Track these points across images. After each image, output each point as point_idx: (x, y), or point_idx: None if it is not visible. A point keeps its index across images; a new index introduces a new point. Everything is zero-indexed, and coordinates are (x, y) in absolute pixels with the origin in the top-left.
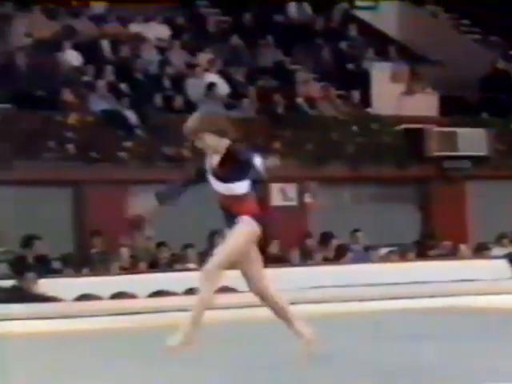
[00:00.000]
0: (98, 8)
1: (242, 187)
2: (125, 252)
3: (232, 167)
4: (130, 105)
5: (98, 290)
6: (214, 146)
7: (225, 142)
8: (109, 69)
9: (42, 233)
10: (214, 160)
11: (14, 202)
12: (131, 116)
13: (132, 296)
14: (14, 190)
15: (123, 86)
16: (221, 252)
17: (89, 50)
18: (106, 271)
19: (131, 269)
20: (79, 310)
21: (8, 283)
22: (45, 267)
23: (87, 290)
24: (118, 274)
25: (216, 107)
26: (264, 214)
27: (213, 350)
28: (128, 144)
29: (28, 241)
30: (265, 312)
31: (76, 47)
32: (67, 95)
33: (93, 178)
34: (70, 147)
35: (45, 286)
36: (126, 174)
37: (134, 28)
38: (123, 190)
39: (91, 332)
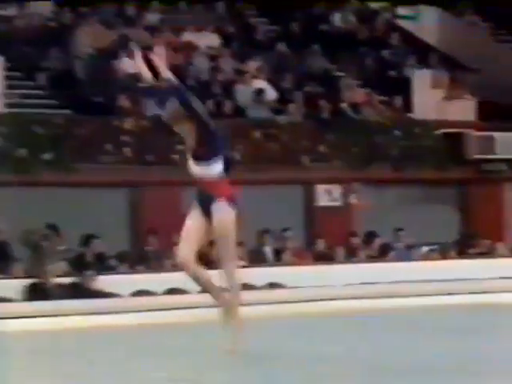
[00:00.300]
0: (153, 18)
1: (217, 168)
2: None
3: (208, 144)
4: None
5: (153, 286)
6: (192, 132)
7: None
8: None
9: (99, 232)
10: (191, 143)
11: (74, 203)
12: None
13: (185, 292)
14: (73, 191)
15: None
16: (227, 250)
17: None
18: (160, 268)
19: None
20: (135, 305)
21: (68, 280)
22: (102, 264)
23: (142, 286)
24: (172, 271)
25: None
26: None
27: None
28: (181, 147)
29: (87, 240)
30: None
31: (131, 55)
32: (123, 101)
33: (148, 179)
34: (127, 150)
35: (102, 282)
36: (179, 176)
37: (187, 37)
38: (177, 191)
39: (146, 326)
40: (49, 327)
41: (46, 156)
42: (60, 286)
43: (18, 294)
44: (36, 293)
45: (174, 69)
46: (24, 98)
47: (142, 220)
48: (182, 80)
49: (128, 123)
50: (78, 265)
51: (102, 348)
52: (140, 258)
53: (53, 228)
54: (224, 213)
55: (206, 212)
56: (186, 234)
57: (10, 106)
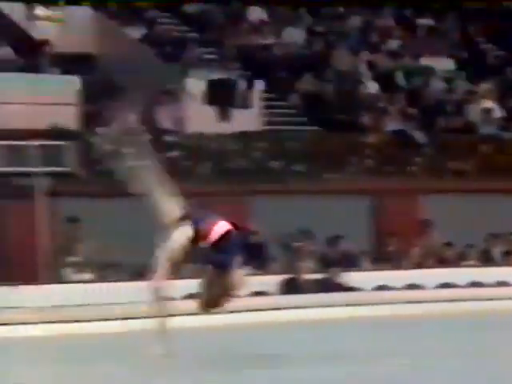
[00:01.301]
0: (394, 44)
1: None
2: (416, 250)
3: None
4: (418, 126)
5: (393, 281)
6: None
7: None
8: (401, 96)
9: (344, 234)
10: None
11: (322, 208)
12: (419, 136)
13: (422, 287)
14: (322, 198)
15: (413, 111)
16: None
17: (385, 80)
18: (399, 266)
19: (421, 265)
20: (377, 298)
21: (317, 276)
22: (347, 262)
23: (384, 281)
24: (410, 269)
25: None
26: None
27: None
28: (417, 159)
29: (333, 240)
30: None
31: (374, 78)
32: (366, 119)
33: (388, 188)
34: (369, 162)
35: (347, 278)
36: (416, 185)
37: (424, 61)
38: (414, 198)
39: (386, 318)
40: (301, 318)
41: (298, 167)
42: (311, 281)
43: (274, 288)
44: (290, 287)
45: (411, 91)
46: (279, 116)
47: (382, 223)
48: (419, 100)
49: (370, 138)
50: (326, 262)
51: (341, 339)
52: (381, 257)
53: (304, 231)
54: (181, 236)
55: None
56: None
57: (267, 123)
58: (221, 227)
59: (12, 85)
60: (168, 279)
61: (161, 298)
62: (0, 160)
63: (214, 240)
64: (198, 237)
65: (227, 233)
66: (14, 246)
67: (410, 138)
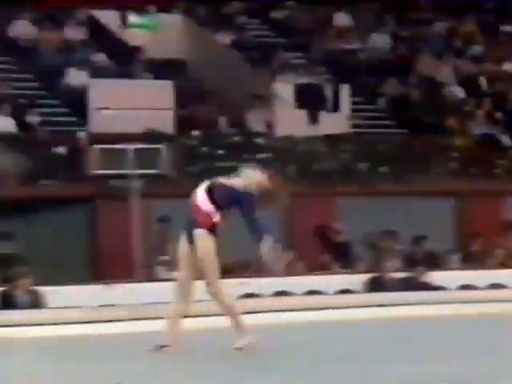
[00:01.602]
0: (477, 49)
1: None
2: (500, 251)
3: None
4: (504, 130)
5: (477, 281)
6: None
7: None
8: (487, 100)
9: (428, 234)
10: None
11: (407, 209)
12: (505, 139)
13: (505, 287)
14: (407, 199)
15: (499, 115)
16: (211, 273)
17: (470, 84)
18: (483, 266)
19: (505, 265)
20: (461, 297)
21: (402, 275)
22: (432, 261)
23: (468, 281)
24: (494, 269)
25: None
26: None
27: None
28: (502, 162)
29: (417, 240)
30: None
31: (459, 83)
32: (452, 122)
33: (472, 189)
34: (454, 164)
35: (432, 276)
36: (500, 187)
37: (508, 66)
38: (498, 200)
39: (470, 317)
40: (385, 316)
41: (384, 169)
42: (395, 279)
43: (359, 286)
44: (375, 286)
45: (495, 95)
46: (366, 119)
47: (466, 224)
48: (505, 104)
49: (456, 141)
50: (410, 262)
51: (424, 334)
52: (465, 257)
53: (389, 231)
54: (203, 241)
55: (190, 239)
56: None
57: (354, 126)
58: (200, 198)
59: (108, 90)
60: (222, 280)
61: (225, 298)
62: (97, 162)
63: (212, 207)
64: (211, 228)
65: (209, 190)
66: (109, 245)
67: (495, 141)
